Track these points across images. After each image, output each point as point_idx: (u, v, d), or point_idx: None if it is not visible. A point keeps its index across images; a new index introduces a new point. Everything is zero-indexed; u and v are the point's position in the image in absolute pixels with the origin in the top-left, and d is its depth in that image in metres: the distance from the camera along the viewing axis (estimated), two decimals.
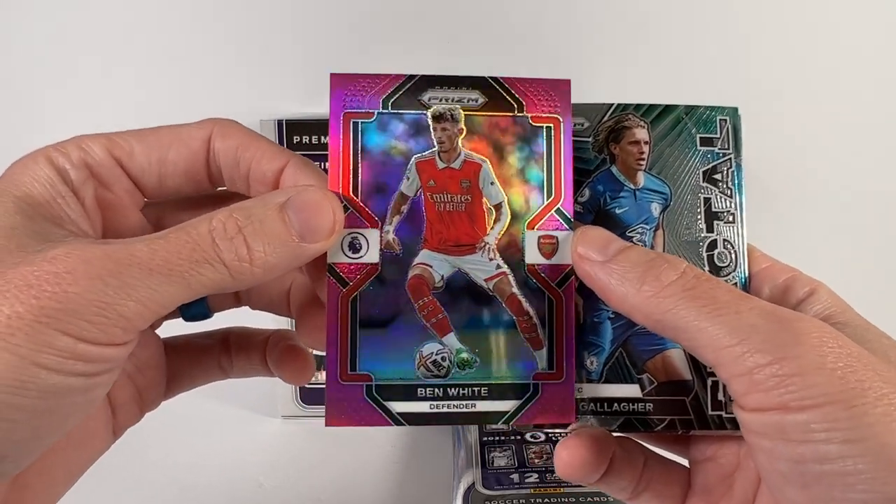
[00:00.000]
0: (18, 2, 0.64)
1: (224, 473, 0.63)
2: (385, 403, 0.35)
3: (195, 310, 0.41)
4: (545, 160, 0.36)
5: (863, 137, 0.69)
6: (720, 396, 0.37)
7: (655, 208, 0.39)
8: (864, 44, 0.67)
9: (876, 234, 0.73)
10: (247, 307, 0.44)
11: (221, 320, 0.44)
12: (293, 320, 0.42)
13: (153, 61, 0.66)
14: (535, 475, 0.53)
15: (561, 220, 0.36)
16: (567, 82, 0.37)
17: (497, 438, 0.58)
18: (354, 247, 0.36)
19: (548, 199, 0.36)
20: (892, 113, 0.69)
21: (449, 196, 0.36)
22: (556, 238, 0.36)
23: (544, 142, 0.36)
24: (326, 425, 0.35)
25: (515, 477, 0.53)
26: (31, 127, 0.66)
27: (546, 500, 0.51)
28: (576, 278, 0.36)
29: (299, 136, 0.61)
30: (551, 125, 0.36)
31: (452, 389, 0.35)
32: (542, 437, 0.58)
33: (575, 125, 0.39)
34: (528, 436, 0.58)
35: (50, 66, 0.66)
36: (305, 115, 0.63)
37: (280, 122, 0.61)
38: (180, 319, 0.41)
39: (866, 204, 0.72)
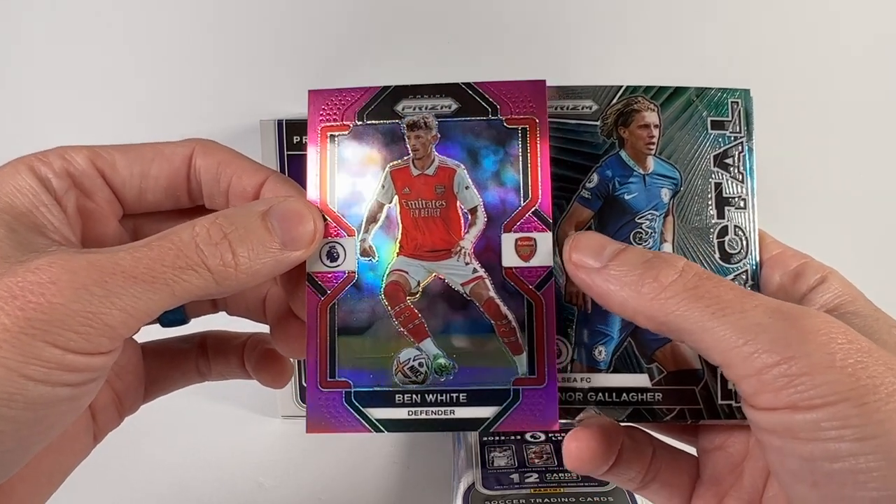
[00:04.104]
0: (18, 1, 0.64)
1: (224, 473, 0.63)
2: (364, 410, 0.35)
3: (172, 316, 0.41)
4: (521, 162, 0.36)
5: (877, 121, 0.68)
6: (730, 386, 0.37)
7: (665, 194, 0.38)
8: (880, 24, 0.65)
9: (889, 219, 0.71)
10: (223, 313, 0.44)
11: (198, 325, 0.44)
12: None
13: (153, 62, 0.66)
14: (535, 475, 0.53)
15: (539, 222, 0.36)
16: (542, 83, 0.36)
17: (497, 438, 0.57)
18: (332, 255, 0.36)
19: (524, 201, 0.36)
20: None
21: (424, 202, 0.36)
22: (534, 240, 0.36)
23: (519, 143, 0.36)
24: (307, 432, 0.35)
25: (515, 477, 0.53)
26: (32, 128, 0.67)
27: (546, 500, 0.51)
28: (555, 280, 0.36)
29: (299, 136, 0.61)
30: (527, 126, 0.36)
31: (430, 395, 0.35)
32: (543, 437, 0.57)
33: (583, 108, 0.38)
34: (528, 436, 0.57)
35: (50, 67, 0.66)
36: (305, 116, 0.62)
37: (280, 122, 0.61)
38: (157, 325, 0.41)
39: (880, 189, 0.70)
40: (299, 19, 0.64)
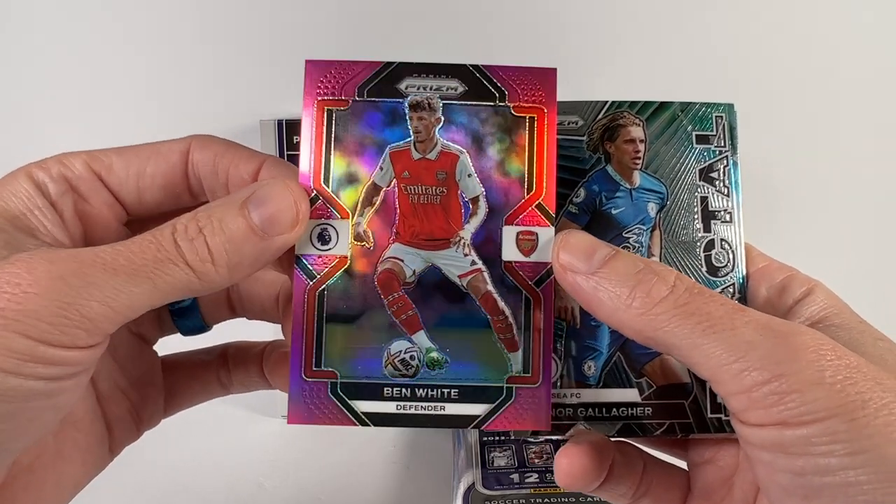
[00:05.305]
0: (18, 3, 0.64)
1: (224, 474, 0.63)
2: (350, 402, 0.34)
3: (190, 323, 0.41)
4: (527, 152, 0.35)
5: (860, 134, 0.69)
6: (719, 399, 0.37)
7: (652, 208, 0.38)
8: (861, 39, 0.66)
9: (874, 231, 0.72)
10: (245, 319, 0.44)
11: (227, 334, 0.44)
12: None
13: (153, 62, 0.66)
14: (535, 475, 0.53)
15: (542, 216, 0.34)
16: (553, 71, 0.35)
17: (497, 438, 0.58)
18: (323, 238, 0.34)
19: (528, 194, 0.35)
20: (889, 108, 0.68)
21: (423, 188, 0.35)
22: (536, 234, 0.34)
23: (527, 133, 0.35)
24: (288, 423, 0.34)
25: (515, 477, 0.53)
26: (32, 130, 0.68)
27: (546, 500, 0.51)
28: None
29: (299, 136, 0.60)
30: (534, 116, 0.35)
31: (421, 390, 0.34)
32: (542, 438, 0.57)
33: (569, 123, 0.38)
34: (528, 436, 0.57)
35: (49, 67, 0.66)
36: None
37: (280, 122, 0.61)
38: (179, 338, 0.42)
39: (864, 201, 0.71)
40: (300, 19, 0.64)
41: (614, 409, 0.37)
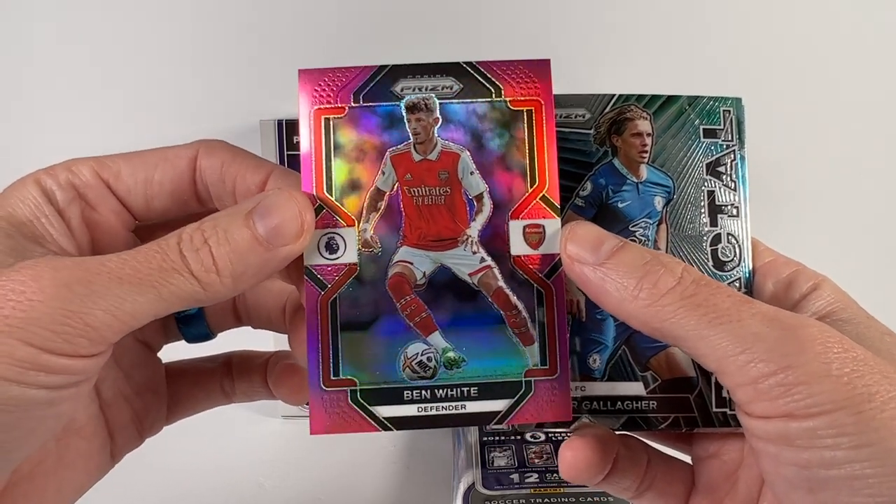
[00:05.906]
0: (18, 3, 0.63)
1: (224, 474, 0.62)
2: (371, 408, 0.34)
3: (196, 330, 0.41)
4: (527, 146, 0.35)
5: (869, 129, 0.69)
6: (724, 393, 0.37)
7: (659, 202, 0.38)
8: (871, 33, 0.66)
9: (881, 226, 0.72)
10: (250, 328, 0.44)
11: (233, 342, 0.44)
12: None
13: (153, 62, 0.66)
14: (535, 475, 0.53)
15: (547, 208, 0.35)
16: (546, 62, 0.35)
17: (497, 438, 0.57)
18: (331, 247, 0.34)
19: (532, 187, 0.35)
20: None
21: (427, 189, 0.35)
22: (543, 227, 0.34)
23: (525, 126, 0.35)
24: (311, 433, 0.34)
25: (515, 477, 0.53)
26: (33, 130, 0.67)
27: (546, 500, 0.51)
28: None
29: (299, 136, 0.61)
30: (532, 108, 0.35)
31: (440, 391, 0.34)
32: (542, 437, 0.57)
33: (576, 116, 0.38)
34: (528, 436, 0.57)
35: (50, 67, 0.66)
36: None
37: (280, 122, 0.61)
38: (183, 346, 0.42)
39: (871, 196, 0.71)
40: (300, 19, 0.64)
41: (619, 403, 0.37)
